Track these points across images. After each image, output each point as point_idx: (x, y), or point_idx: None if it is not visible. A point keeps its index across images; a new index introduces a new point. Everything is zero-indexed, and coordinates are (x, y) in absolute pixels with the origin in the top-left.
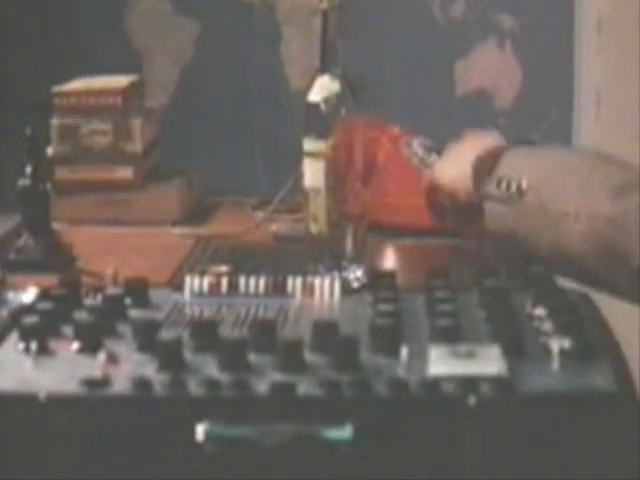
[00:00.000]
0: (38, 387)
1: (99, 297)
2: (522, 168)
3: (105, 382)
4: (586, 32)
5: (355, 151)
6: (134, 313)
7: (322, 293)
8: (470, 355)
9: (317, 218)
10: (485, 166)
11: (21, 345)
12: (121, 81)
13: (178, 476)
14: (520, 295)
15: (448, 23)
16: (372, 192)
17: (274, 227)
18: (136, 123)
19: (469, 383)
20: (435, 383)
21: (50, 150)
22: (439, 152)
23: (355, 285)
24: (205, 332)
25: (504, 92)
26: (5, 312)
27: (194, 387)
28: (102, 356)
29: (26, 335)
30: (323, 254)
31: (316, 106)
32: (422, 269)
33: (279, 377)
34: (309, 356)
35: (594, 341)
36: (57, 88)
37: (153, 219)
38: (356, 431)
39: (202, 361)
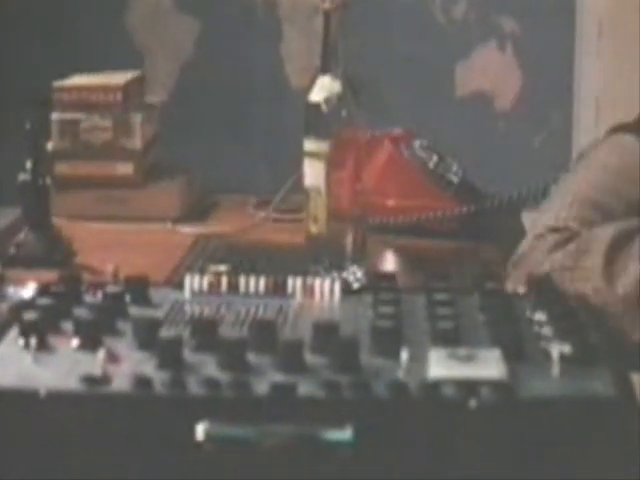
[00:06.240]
0: (38, 383)
1: (99, 294)
2: None
3: (105, 380)
4: (587, 35)
5: (355, 152)
6: (134, 311)
7: (322, 294)
8: (470, 358)
9: (317, 218)
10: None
11: (21, 341)
12: (121, 77)
13: (177, 475)
14: (520, 299)
15: (449, 25)
16: (373, 193)
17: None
18: (136, 119)
19: (469, 386)
20: (435, 386)
21: (50, 145)
22: (439, 154)
23: (355, 286)
24: (205, 331)
25: (504, 94)
26: (4, 307)
27: (194, 386)
28: (102, 353)
29: (26, 331)
30: (323, 255)
31: (317, 106)
32: (422, 271)
33: (279, 377)
34: (309, 357)
35: (594, 346)
36: (57, 83)
37: (153, 216)
38: (356, 433)
39: (202, 360)
